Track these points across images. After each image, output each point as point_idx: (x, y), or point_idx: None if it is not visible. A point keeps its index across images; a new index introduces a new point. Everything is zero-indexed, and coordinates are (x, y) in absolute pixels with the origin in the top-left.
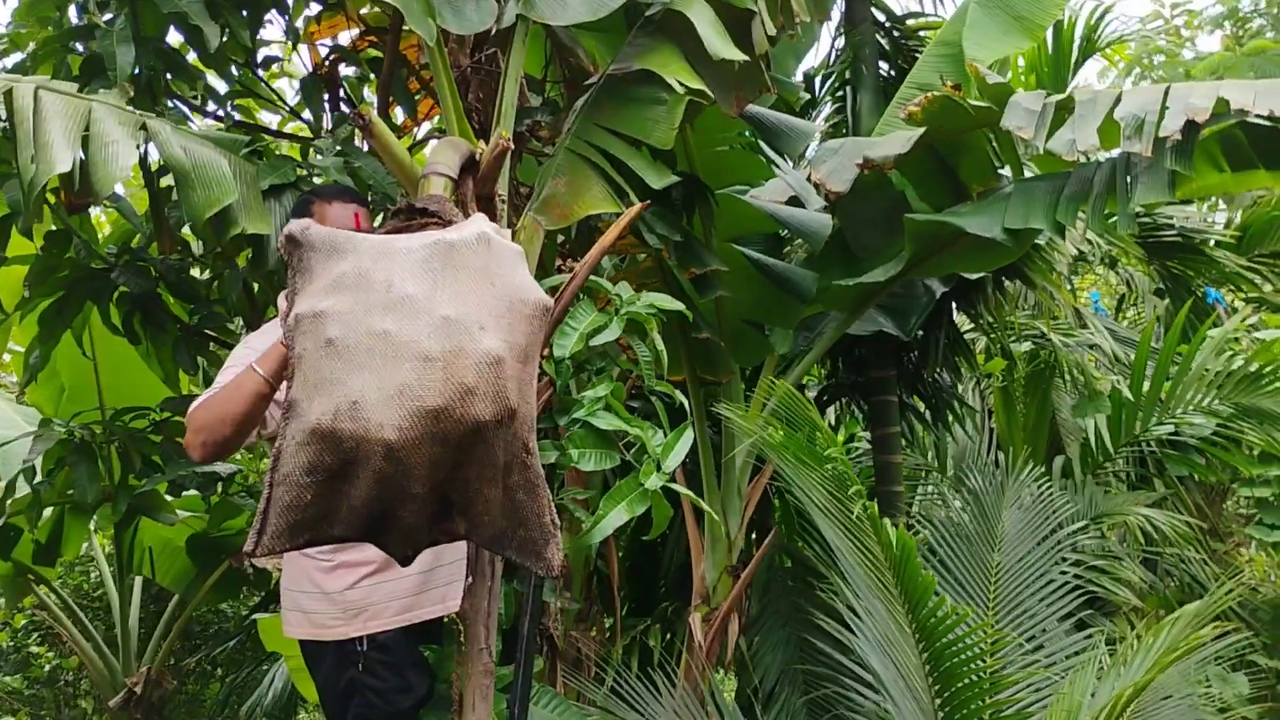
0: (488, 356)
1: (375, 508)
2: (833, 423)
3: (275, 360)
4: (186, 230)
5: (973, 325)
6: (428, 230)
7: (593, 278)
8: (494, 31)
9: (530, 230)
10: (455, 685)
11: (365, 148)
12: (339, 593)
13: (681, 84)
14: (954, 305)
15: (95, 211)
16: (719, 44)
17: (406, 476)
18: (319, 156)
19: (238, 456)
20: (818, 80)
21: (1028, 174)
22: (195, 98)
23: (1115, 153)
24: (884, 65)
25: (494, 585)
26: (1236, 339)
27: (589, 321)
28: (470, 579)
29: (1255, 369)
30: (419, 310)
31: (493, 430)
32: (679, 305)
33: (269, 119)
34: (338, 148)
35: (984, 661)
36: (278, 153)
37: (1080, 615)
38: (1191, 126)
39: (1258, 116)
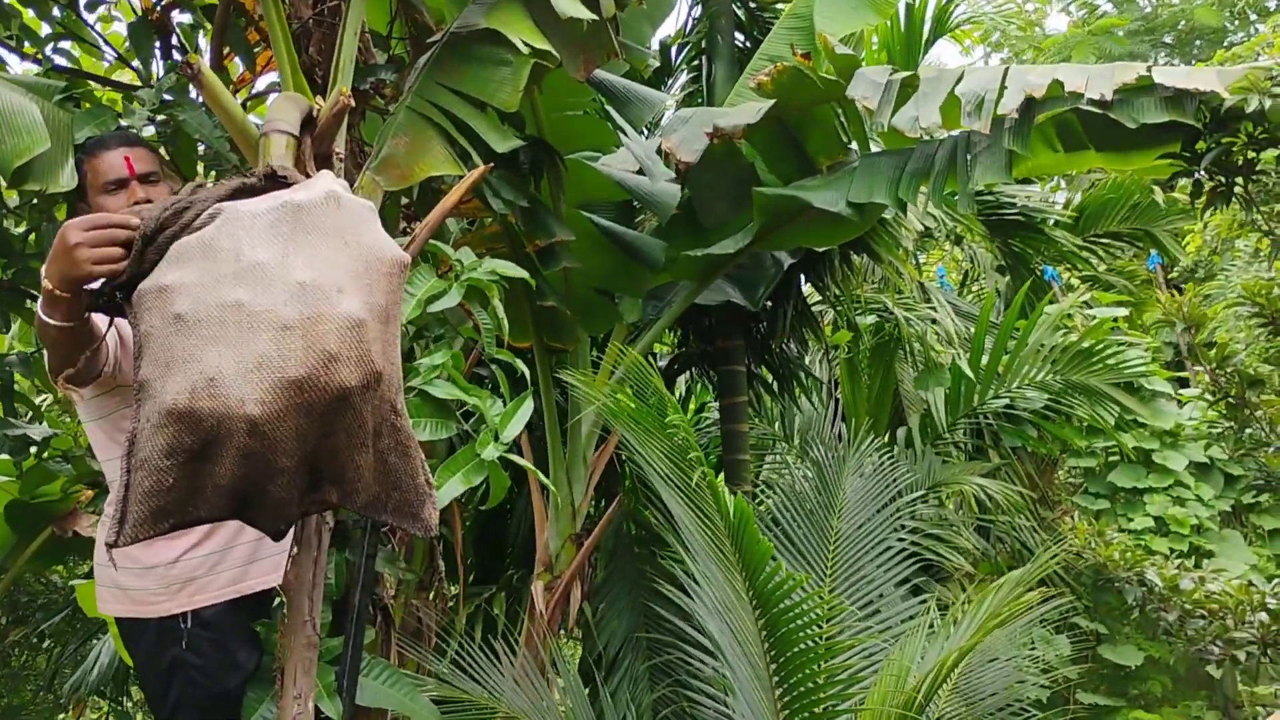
0: (349, 320)
1: (242, 485)
2: (684, 392)
3: (54, 304)
4: None
5: (820, 298)
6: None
7: (433, 242)
8: None
9: (369, 190)
10: (278, 659)
11: (199, 99)
12: (162, 566)
13: (527, 44)
14: (802, 277)
15: None
16: (566, 3)
17: (273, 450)
18: (138, 108)
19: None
20: (674, 49)
21: (874, 149)
22: (10, 38)
23: (957, 132)
24: (739, 36)
25: (320, 556)
26: (1070, 316)
27: (427, 287)
28: (295, 549)
29: (1086, 346)
30: (272, 277)
31: (359, 395)
32: (522, 272)
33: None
34: (163, 98)
35: (820, 627)
36: (100, 101)
37: (916, 581)
38: (1029, 103)
39: (1089, 102)
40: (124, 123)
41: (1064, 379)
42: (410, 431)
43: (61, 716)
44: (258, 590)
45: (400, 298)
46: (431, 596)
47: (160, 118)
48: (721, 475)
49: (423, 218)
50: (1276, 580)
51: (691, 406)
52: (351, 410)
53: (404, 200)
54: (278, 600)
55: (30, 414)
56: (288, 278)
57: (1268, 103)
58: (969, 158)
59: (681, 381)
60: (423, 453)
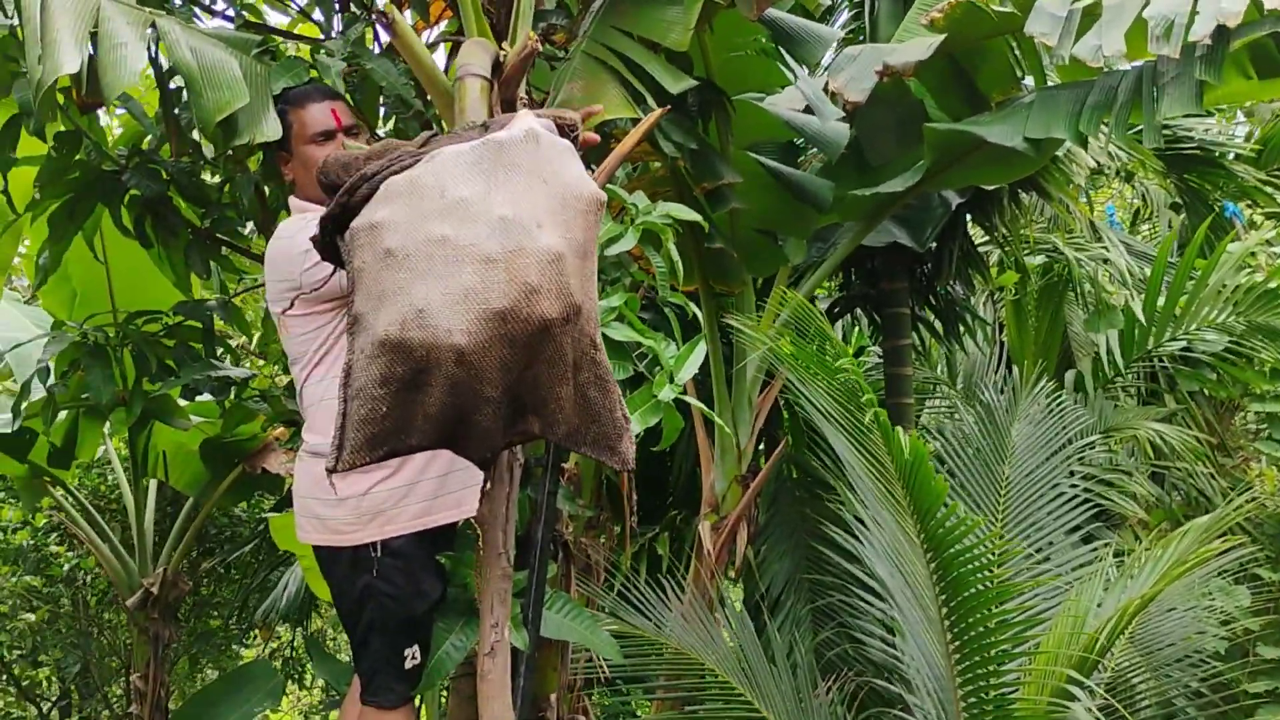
0: (548, 253)
1: (450, 414)
2: (841, 336)
3: None
4: (197, 133)
5: (987, 238)
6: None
7: (609, 186)
8: None
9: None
10: (476, 590)
11: (376, 50)
12: (354, 498)
13: None
14: (968, 217)
15: (105, 119)
16: None
17: (479, 380)
18: (328, 58)
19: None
20: None
21: (1050, 83)
22: None
23: (1141, 63)
24: None
25: (512, 491)
26: (1255, 255)
27: (604, 230)
28: (489, 484)
29: (1274, 286)
30: (475, 213)
31: (560, 327)
32: (695, 215)
33: (279, 21)
34: (348, 49)
35: (992, 571)
36: (289, 54)
37: (1087, 528)
38: (1221, 31)
39: None
40: (316, 74)
41: (1247, 320)
42: (608, 366)
43: (250, 641)
44: (443, 524)
45: (596, 235)
46: (600, 536)
47: (344, 65)
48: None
49: (595, 163)
50: None
51: (849, 349)
52: (552, 342)
53: (578, 135)
54: (462, 530)
55: (228, 357)
56: (490, 213)
57: None
58: (1155, 88)
59: (839, 326)
60: (619, 389)
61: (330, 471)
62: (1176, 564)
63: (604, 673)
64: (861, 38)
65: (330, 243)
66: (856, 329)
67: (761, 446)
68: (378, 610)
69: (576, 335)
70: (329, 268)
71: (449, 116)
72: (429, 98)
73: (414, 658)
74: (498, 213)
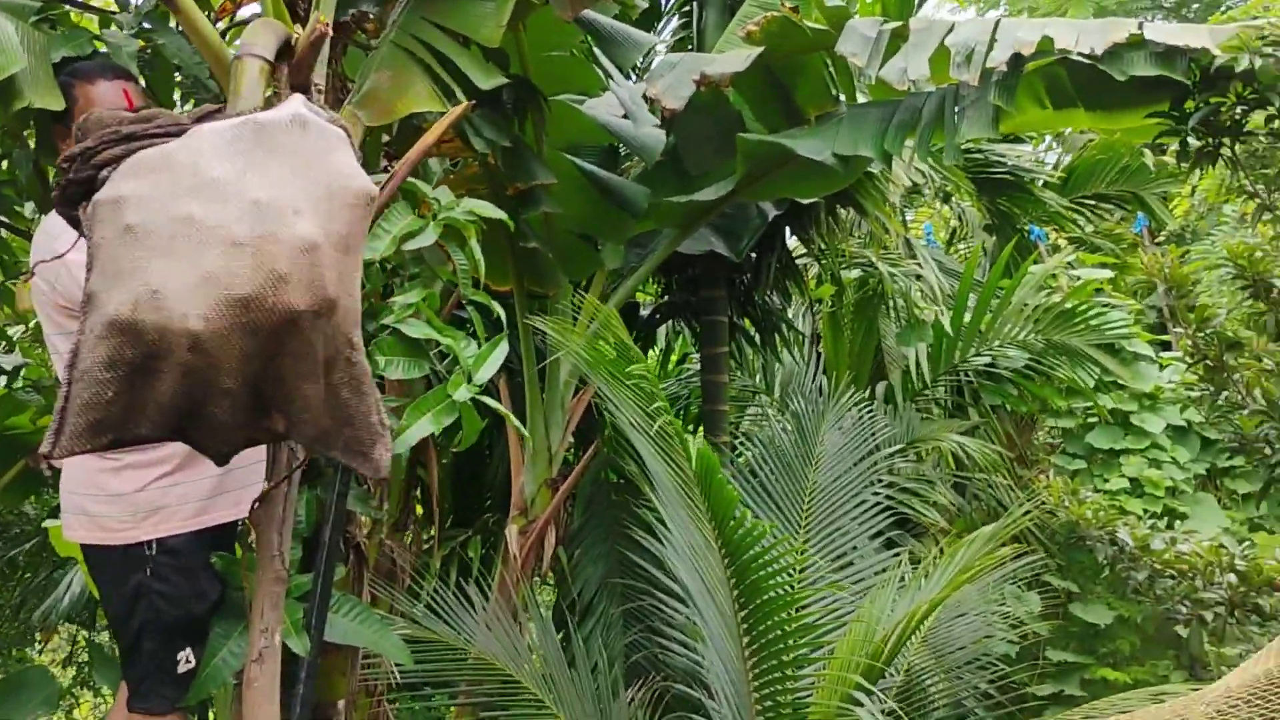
0: (302, 242)
1: (183, 404)
2: (666, 342)
3: None
4: None
5: (805, 251)
6: None
7: (411, 179)
8: None
9: (350, 125)
10: (246, 592)
11: (178, 26)
12: (129, 494)
13: None
14: (787, 229)
15: None
16: None
17: (215, 370)
18: (119, 34)
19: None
20: None
21: (861, 100)
22: None
23: (946, 86)
24: None
25: (291, 491)
26: (1055, 276)
27: (403, 225)
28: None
29: (1070, 307)
30: (227, 193)
31: (309, 321)
32: (500, 213)
33: None
34: (141, 24)
35: (790, 575)
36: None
37: (890, 535)
38: (1017, 59)
39: (1079, 55)
40: (102, 48)
41: (1046, 339)
42: (367, 368)
43: (37, 644)
44: (221, 522)
45: (364, 230)
46: (408, 539)
47: (139, 43)
48: (701, 426)
49: (403, 155)
50: (1246, 543)
51: (674, 356)
52: (299, 335)
53: (384, 137)
54: (243, 530)
55: (3, 344)
56: (243, 195)
57: (1258, 62)
58: (956, 111)
59: (664, 332)
60: (379, 392)
61: (45, 457)
62: (964, 569)
63: (395, 678)
64: (690, 45)
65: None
66: (681, 336)
67: (581, 450)
68: (150, 611)
69: (329, 332)
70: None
71: None
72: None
73: (188, 661)
74: (252, 196)
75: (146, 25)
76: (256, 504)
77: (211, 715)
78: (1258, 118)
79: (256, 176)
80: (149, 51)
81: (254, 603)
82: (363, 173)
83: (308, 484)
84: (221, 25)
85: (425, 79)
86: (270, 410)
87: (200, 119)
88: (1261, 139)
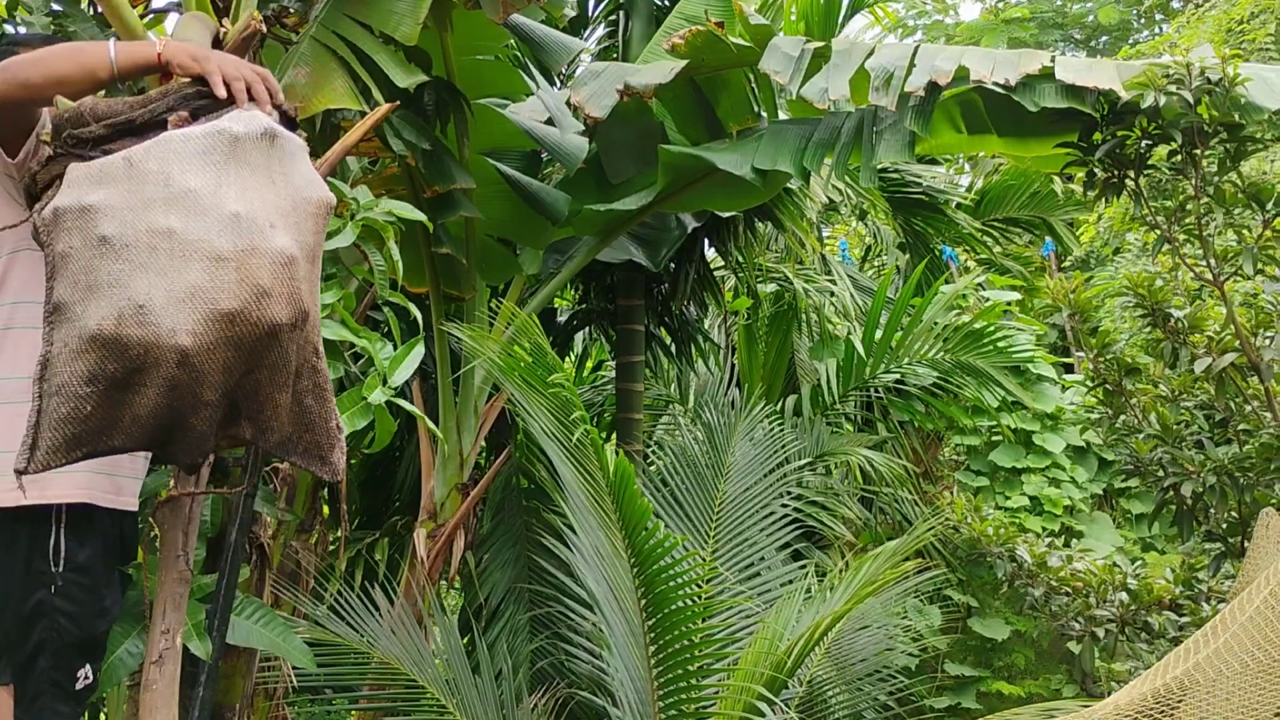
0: (281, 256)
1: (164, 417)
2: (583, 349)
3: (135, 60)
4: None
5: (723, 263)
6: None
7: (330, 179)
8: None
9: None
10: (146, 593)
11: (92, 10)
12: None
13: None
14: (706, 241)
15: None
16: None
17: (199, 383)
18: (26, 15)
19: None
20: (591, 1)
21: (783, 117)
22: None
23: (866, 107)
24: None
25: (197, 491)
26: (964, 297)
27: None
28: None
29: (978, 328)
30: (205, 206)
31: (287, 333)
32: (419, 215)
33: None
34: (52, 6)
35: (699, 587)
36: None
37: (797, 547)
38: (934, 87)
39: (994, 84)
40: (8, 29)
41: (954, 358)
42: (328, 374)
43: None
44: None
45: (323, 239)
46: (314, 541)
47: (50, 27)
48: (615, 433)
49: (322, 154)
50: (1139, 562)
51: (590, 363)
52: (278, 347)
53: (303, 134)
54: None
55: None
56: (220, 208)
57: (1162, 99)
58: (874, 133)
59: (581, 338)
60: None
61: (19, 472)
62: (868, 583)
63: (292, 681)
64: (615, 55)
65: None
66: (598, 343)
67: (494, 455)
68: (51, 632)
69: (301, 342)
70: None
71: None
72: None
73: (86, 678)
74: (229, 209)
75: (57, 7)
76: (161, 504)
77: (103, 716)
78: (1161, 151)
79: (232, 190)
80: (61, 36)
81: (155, 603)
82: (322, 182)
83: (213, 484)
84: (137, 12)
85: (344, 75)
86: (240, 419)
87: (146, 104)
88: (1164, 172)
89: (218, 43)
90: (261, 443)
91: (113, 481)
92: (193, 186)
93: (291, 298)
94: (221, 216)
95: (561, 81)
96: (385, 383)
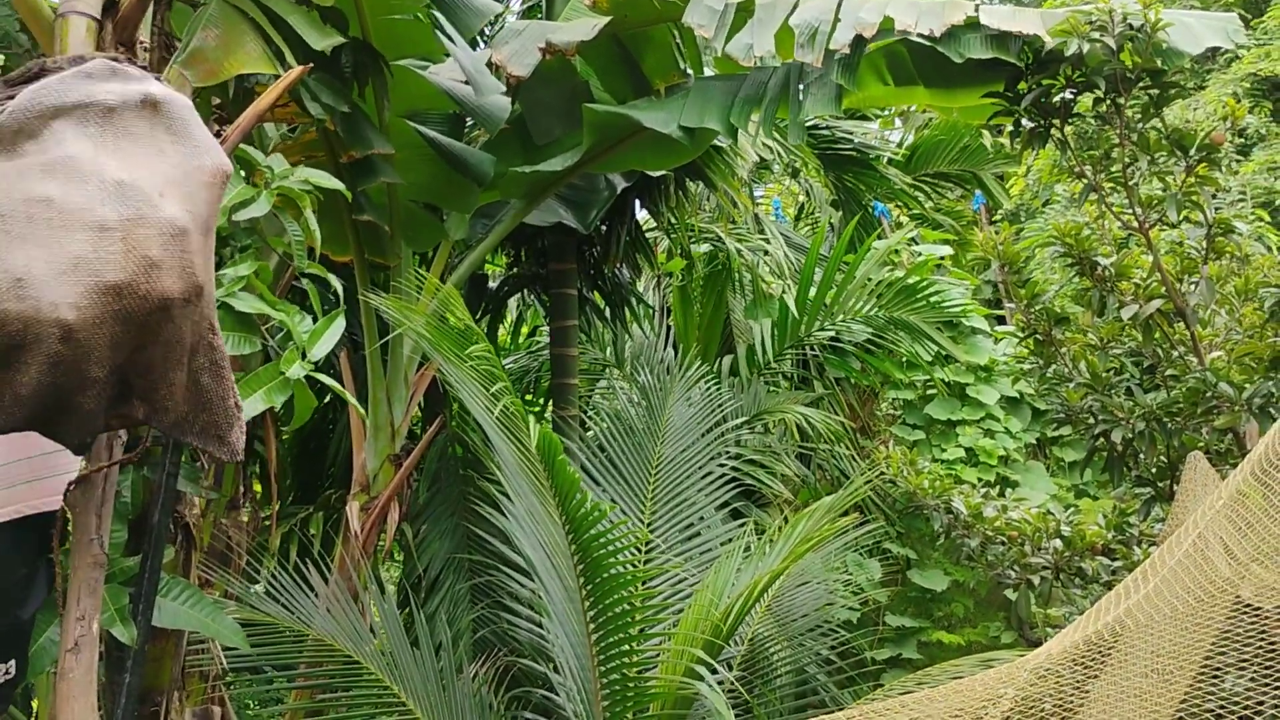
0: (171, 226)
1: (48, 395)
2: (517, 314)
3: None
4: None
5: (655, 224)
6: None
7: (244, 146)
8: None
9: (176, 86)
10: (58, 580)
11: None
12: None
13: None
14: (637, 203)
15: None
16: None
17: (85, 360)
18: None
19: None
20: None
21: (708, 74)
22: None
23: (791, 61)
24: None
25: (111, 472)
26: (898, 252)
27: (234, 194)
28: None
29: (911, 283)
30: (85, 172)
31: (180, 308)
32: (337, 183)
33: None
34: None
35: (638, 550)
36: None
37: (736, 506)
38: (859, 40)
39: (919, 35)
40: None
41: (888, 314)
42: (225, 351)
43: None
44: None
45: (218, 210)
46: (245, 518)
47: None
48: (550, 400)
49: (235, 120)
50: (1072, 509)
51: (524, 329)
52: (171, 323)
53: (215, 100)
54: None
55: None
56: (103, 175)
57: (1086, 47)
58: (801, 88)
59: (515, 304)
60: (233, 368)
61: None
62: (805, 539)
63: (223, 663)
64: (539, 14)
65: None
66: (531, 309)
67: (427, 425)
68: None
69: (196, 318)
70: None
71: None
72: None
73: (7, 674)
74: (113, 176)
75: None
76: (72, 486)
77: (34, 704)
78: (1086, 100)
79: (113, 158)
80: None
81: (69, 589)
82: (217, 147)
83: (134, 464)
84: None
85: (256, 38)
86: (132, 397)
87: (25, 80)
88: (1089, 121)
89: (113, 3)
90: (155, 423)
91: (47, 485)
92: (71, 153)
93: (184, 270)
94: (105, 184)
95: (485, 41)
96: (304, 356)
